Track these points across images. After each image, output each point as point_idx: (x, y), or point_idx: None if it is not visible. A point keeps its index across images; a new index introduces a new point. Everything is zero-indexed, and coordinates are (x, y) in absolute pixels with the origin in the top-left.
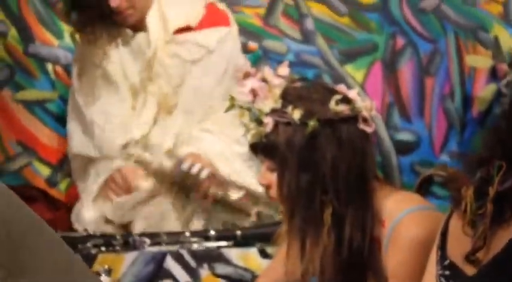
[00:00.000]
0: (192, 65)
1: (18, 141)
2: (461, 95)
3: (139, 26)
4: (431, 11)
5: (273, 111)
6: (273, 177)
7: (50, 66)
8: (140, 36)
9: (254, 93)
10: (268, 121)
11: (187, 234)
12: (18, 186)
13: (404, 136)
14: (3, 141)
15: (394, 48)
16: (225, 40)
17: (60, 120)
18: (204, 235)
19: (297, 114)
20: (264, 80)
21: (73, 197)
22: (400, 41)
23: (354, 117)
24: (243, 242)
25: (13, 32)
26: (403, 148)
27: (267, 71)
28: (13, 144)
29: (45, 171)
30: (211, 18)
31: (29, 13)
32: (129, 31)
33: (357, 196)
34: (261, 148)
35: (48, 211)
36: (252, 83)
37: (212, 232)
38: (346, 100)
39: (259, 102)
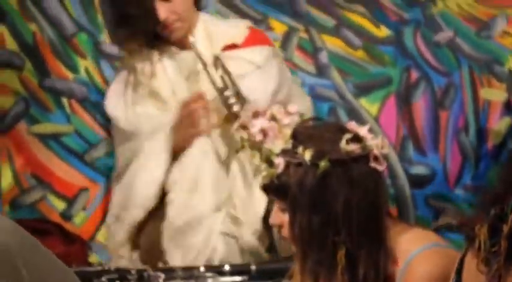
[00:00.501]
0: (242, 79)
1: (33, 174)
2: (476, 128)
3: (183, 43)
4: (445, 44)
5: (284, 152)
6: (285, 217)
7: (65, 100)
8: (185, 53)
9: (264, 133)
10: (279, 162)
11: (202, 269)
12: (32, 220)
13: (419, 169)
14: (18, 174)
15: (409, 82)
16: (271, 58)
17: (75, 154)
18: (218, 270)
19: (308, 155)
20: (274, 119)
21: (88, 231)
22: (415, 75)
23: (365, 156)
24: (257, 276)
25: (28, 65)
26: (417, 181)
27: (276, 109)
28: (28, 177)
29: (60, 205)
30: (255, 38)
31: (45, 47)
32: (174, 48)
33: (370, 235)
34: (272, 189)
35: (63, 245)
36: (262, 122)
37: (227, 267)
38: (356, 139)
39: (269, 142)
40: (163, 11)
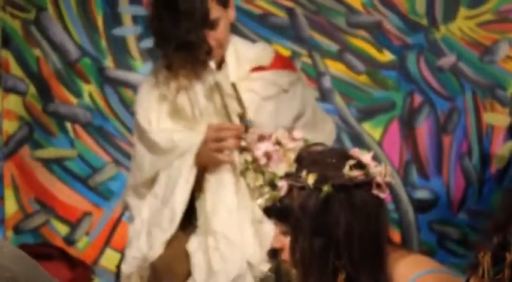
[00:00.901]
0: (265, 101)
1: (37, 199)
2: (479, 153)
3: (217, 65)
4: (448, 69)
5: (287, 175)
6: (286, 241)
7: (69, 125)
8: (217, 74)
9: (268, 156)
10: (283, 185)
11: None
12: (36, 245)
13: (422, 194)
14: (22, 199)
15: (412, 106)
16: (296, 83)
17: (78, 179)
18: None
19: (311, 179)
20: (278, 143)
21: (91, 256)
22: (418, 99)
23: (367, 183)
24: None
25: (32, 90)
26: (421, 206)
27: (281, 133)
28: (31, 202)
29: (63, 229)
30: (281, 62)
31: (49, 72)
32: (213, 68)
33: (371, 261)
34: (274, 212)
35: (66, 270)
36: (267, 146)
37: None
38: (360, 165)
39: (273, 165)
40: (211, 39)
